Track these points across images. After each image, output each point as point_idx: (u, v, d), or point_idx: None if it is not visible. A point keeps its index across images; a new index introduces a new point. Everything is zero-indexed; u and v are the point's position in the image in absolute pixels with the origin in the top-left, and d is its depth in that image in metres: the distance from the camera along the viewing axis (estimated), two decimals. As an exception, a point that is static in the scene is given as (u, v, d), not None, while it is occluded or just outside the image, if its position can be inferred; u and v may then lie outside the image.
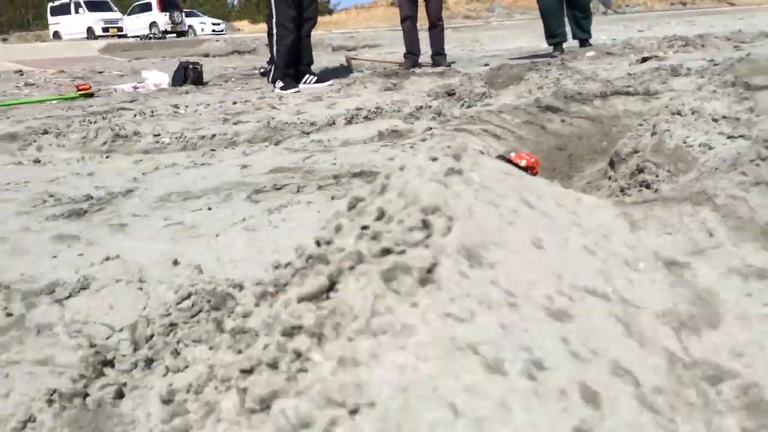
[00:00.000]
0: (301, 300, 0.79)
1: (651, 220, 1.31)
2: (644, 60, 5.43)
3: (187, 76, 7.07)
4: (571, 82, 4.30)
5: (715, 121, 2.36)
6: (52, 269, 1.65)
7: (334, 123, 3.70)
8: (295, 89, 5.94)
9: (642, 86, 3.85)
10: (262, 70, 8.38)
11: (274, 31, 5.95)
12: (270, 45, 6.28)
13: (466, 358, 0.57)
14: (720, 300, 0.85)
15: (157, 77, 7.12)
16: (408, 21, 7.47)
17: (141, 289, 1.50)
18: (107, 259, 1.61)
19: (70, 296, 1.52)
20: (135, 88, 7.13)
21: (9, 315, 1.47)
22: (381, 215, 0.89)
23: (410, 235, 0.79)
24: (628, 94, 3.85)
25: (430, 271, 0.66)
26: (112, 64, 12.98)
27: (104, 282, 1.53)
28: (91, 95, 6.70)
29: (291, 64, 6.10)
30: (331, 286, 0.80)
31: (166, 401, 1.13)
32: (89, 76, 9.43)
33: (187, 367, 1.25)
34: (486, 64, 6.98)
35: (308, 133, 3.48)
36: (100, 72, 10.50)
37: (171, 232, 1.88)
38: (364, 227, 0.85)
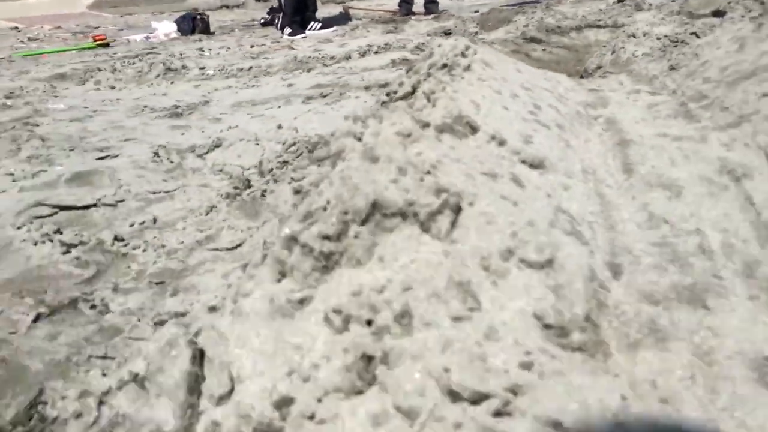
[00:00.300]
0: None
1: (592, 83, 2.12)
2: (620, 1, 6.14)
3: (196, 26, 7.64)
4: (553, 21, 5.04)
5: (659, 39, 3.17)
6: (187, 138, 2.41)
7: (350, 57, 4.42)
8: (303, 35, 6.60)
9: (611, 20, 4.61)
10: (262, 21, 8.95)
11: (282, -19, 6.55)
12: (278, -6, 6.88)
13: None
14: (612, 100, 1.66)
15: (167, 27, 7.67)
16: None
17: (258, 144, 2.28)
18: (230, 128, 2.38)
19: (208, 152, 2.30)
20: (147, 38, 7.70)
21: (171, 162, 2.24)
22: (432, 64, 1.67)
23: (447, 70, 1.58)
24: (598, 26, 4.61)
25: (467, 68, 1.44)
26: (104, 20, 13.31)
27: (231, 141, 2.31)
28: (107, 45, 7.28)
29: (297, 11, 6.74)
30: (413, 91, 1.58)
31: (296, 191, 1.93)
32: (87, 31, 9.88)
33: (303, 177, 2.04)
34: (476, 11, 7.64)
35: (330, 65, 4.21)
36: (96, 27, 10.91)
37: (258, 120, 2.65)
38: (423, 70, 1.62)
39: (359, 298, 0.74)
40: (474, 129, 1.06)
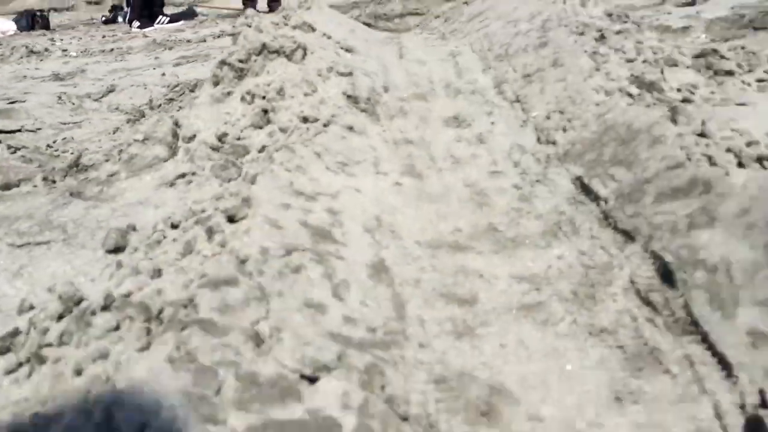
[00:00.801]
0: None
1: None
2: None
3: (35, 22, 7.67)
4: (381, 10, 6.12)
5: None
6: (80, 89, 2.98)
7: (205, 40, 5.07)
8: (152, 28, 7.03)
9: (424, 8, 5.80)
10: (104, 19, 9.09)
11: (129, -24, 6.92)
12: (124, -11, 7.22)
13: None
14: (405, 37, 2.63)
15: (4, 25, 7.59)
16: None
17: (146, 88, 2.92)
18: (122, 77, 2.99)
19: (103, 96, 2.89)
20: (-21, 35, 7.54)
21: (73, 104, 2.81)
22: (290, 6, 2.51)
23: (298, 5, 2.43)
24: (417, 14, 5.78)
25: (308, 7, 2.30)
26: None
27: (123, 87, 2.92)
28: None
29: (146, 5, 7.15)
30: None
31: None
32: None
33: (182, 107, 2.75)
34: (316, 7, 8.61)
35: (189, 43, 4.83)
36: None
37: (138, 76, 3.26)
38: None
39: (257, 87, 1.56)
40: (313, 29, 1.92)
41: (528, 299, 1.05)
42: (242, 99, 1.55)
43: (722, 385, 0.79)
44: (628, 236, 1.13)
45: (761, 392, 0.73)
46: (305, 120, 1.49)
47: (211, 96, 1.56)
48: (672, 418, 0.78)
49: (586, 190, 1.35)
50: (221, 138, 1.48)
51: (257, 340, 0.69)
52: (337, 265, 0.92)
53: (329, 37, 1.93)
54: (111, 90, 2.93)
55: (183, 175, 1.38)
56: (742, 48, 1.98)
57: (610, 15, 2.15)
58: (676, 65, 1.84)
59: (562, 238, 1.25)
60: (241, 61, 1.57)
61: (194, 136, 1.50)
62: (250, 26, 1.69)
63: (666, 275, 0.99)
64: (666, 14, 3.44)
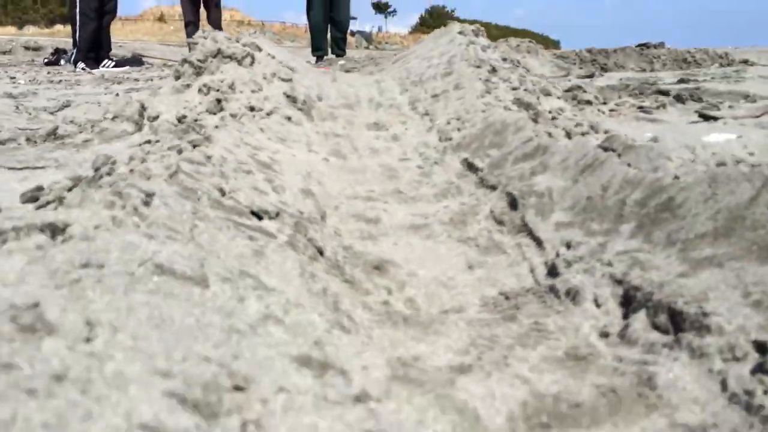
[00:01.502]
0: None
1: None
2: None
3: (-26, 57, 7.72)
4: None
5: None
6: (37, 103, 3.21)
7: (152, 80, 5.39)
8: (97, 70, 7.27)
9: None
10: (46, 60, 9.22)
11: (77, 19, 7.21)
12: (72, 32, 7.47)
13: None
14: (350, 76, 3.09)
15: (-61, 56, 7.60)
16: (191, 26, 9.21)
17: (100, 105, 3.19)
18: (75, 97, 3.26)
19: (58, 110, 3.14)
20: None
21: (29, 114, 3.04)
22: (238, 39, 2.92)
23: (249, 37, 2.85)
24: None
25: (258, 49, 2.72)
26: None
27: (78, 103, 3.18)
28: None
29: (92, 48, 7.41)
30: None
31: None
32: None
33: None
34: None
35: (137, 81, 5.13)
36: None
37: (92, 99, 3.53)
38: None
39: (213, 82, 1.92)
40: (260, 49, 2.32)
41: (417, 222, 1.43)
42: (199, 90, 1.90)
43: (536, 254, 1.17)
44: (493, 188, 1.54)
45: (557, 253, 1.12)
46: (252, 109, 1.86)
47: (173, 87, 1.90)
48: (503, 275, 1.15)
49: (470, 166, 1.77)
50: (181, 119, 1.81)
51: (221, 191, 1.02)
52: (276, 178, 1.27)
53: (273, 57, 2.33)
54: (66, 105, 3.19)
55: (149, 141, 1.69)
56: (601, 88, 2.54)
57: (504, 59, 2.69)
58: (549, 95, 2.36)
59: (449, 197, 1.64)
60: (200, 60, 1.93)
61: (158, 116, 1.83)
62: (206, 38, 2.07)
63: (513, 204, 1.39)
64: (567, 81, 4.11)
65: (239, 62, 2.01)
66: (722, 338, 0.68)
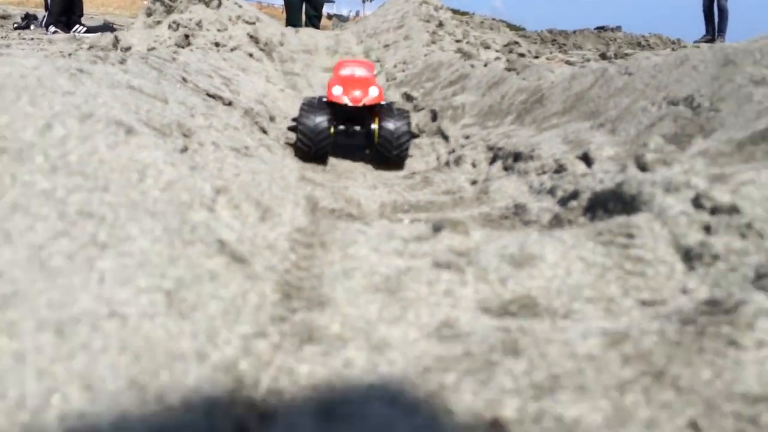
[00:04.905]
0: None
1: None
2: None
3: (-59, 18, 7.73)
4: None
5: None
6: (11, 53, 3.40)
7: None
8: (68, 35, 7.36)
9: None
10: (15, 26, 9.22)
11: (49, -17, 7.27)
12: (43, -6, 7.52)
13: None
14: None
15: None
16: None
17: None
18: (49, 53, 3.45)
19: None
20: None
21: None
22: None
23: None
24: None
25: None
26: None
27: (52, 53, 3.38)
28: None
29: (64, 12, 7.49)
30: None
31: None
32: None
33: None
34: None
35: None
36: None
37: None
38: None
39: (182, 19, 2.17)
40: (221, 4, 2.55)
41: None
42: (169, 26, 2.14)
43: (443, 147, 1.47)
44: (422, 109, 1.83)
45: (456, 147, 1.41)
46: (217, 45, 2.11)
47: (144, 23, 2.14)
48: (416, 163, 1.44)
49: (408, 97, 2.05)
50: (150, 50, 2.05)
51: (183, 79, 1.28)
52: (233, 86, 1.54)
53: (240, 6, 2.58)
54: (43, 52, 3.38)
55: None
56: (534, 43, 2.85)
57: (452, 15, 2.97)
58: (489, 48, 2.65)
59: (387, 121, 1.93)
60: (170, 0, 2.17)
61: (130, 47, 2.07)
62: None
63: (434, 117, 1.68)
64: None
65: (207, 4, 2.25)
66: (539, 162, 0.97)
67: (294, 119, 1.35)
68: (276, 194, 0.59)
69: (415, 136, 1.47)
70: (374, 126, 1.30)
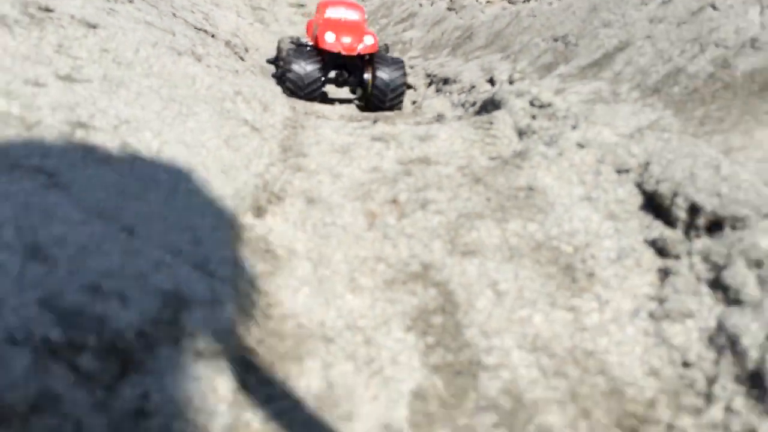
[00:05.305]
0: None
1: None
2: None
3: None
4: None
5: None
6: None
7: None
8: None
9: None
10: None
11: None
12: None
13: None
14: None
15: None
16: None
17: None
18: None
19: None
20: None
21: None
22: None
23: None
24: None
25: None
26: None
27: None
28: None
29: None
30: None
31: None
32: None
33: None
34: None
35: None
36: None
37: None
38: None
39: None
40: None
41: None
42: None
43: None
44: (377, 44, 2.12)
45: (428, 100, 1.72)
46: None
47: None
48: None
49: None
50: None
51: (173, 14, 1.54)
52: (212, 21, 1.79)
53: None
54: None
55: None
56: None
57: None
58: None
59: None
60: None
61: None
62: None
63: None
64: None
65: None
66: (460, 85, 1.30)
67: (278, 59, 1.56)
68: (269, 99, 0.90)
69: (409, 86, 1.43)
70: (367, 75, 1.30)
